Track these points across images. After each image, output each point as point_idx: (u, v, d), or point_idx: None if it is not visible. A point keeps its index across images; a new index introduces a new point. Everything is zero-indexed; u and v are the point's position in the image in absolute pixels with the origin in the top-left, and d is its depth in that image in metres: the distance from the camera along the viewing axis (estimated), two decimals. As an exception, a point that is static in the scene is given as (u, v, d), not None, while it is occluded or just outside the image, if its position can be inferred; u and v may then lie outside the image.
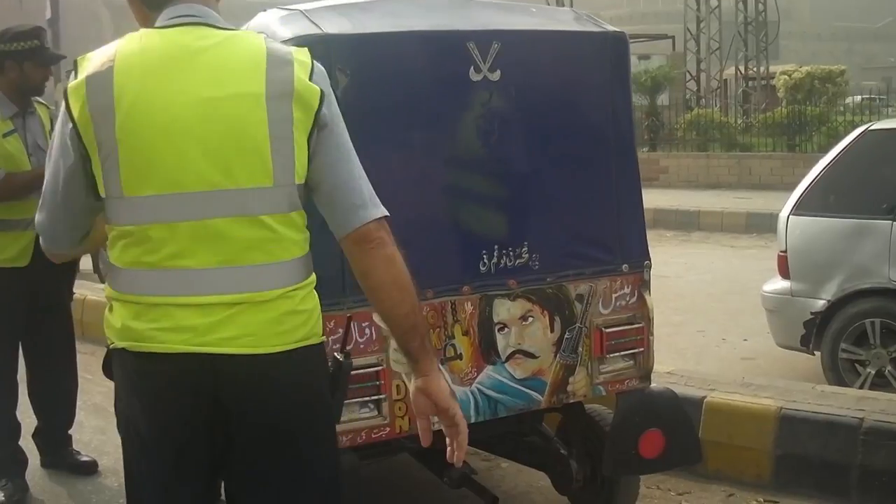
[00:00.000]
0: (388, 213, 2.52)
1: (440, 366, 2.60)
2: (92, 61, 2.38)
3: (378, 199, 2.53)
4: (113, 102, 2.32)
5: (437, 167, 3.80)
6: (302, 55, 2.46)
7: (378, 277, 2.49)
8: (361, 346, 3.61)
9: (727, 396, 5.25)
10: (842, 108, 21.56)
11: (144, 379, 2.39)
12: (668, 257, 12.43)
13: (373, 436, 3.69)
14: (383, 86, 3.64)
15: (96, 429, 6.23)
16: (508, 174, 3.90)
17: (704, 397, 5.25)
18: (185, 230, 2.33)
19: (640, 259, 4.15)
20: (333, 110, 2.48)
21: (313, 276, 2.53)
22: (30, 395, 5.49)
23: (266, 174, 2.36)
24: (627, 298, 4.13)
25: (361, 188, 2.50)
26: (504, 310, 3.88)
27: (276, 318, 2.39)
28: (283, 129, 2.37)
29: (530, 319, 3.93)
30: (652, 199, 16.65)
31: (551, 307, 3.96)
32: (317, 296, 2.53)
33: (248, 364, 2.35)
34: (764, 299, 7.14)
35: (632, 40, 4.43)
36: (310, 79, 2.43)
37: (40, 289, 5.14)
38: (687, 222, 16.01)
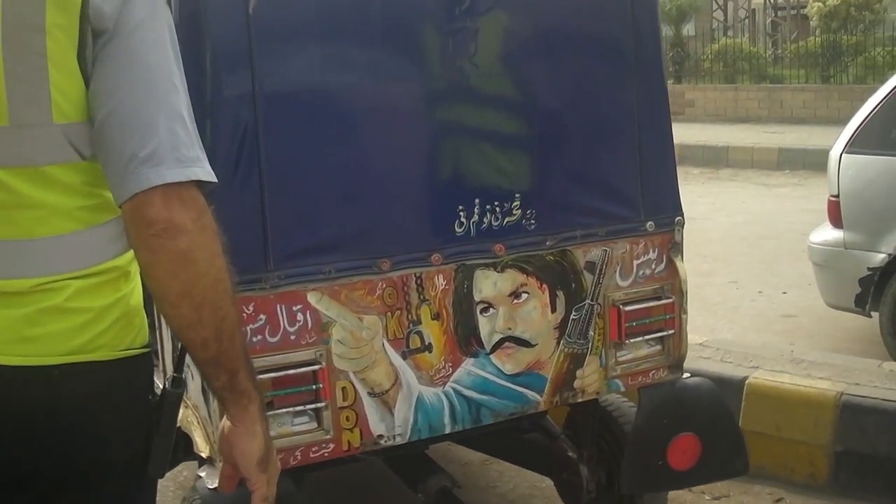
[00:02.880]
0: (206, 178, 1.64)
1: (261, 416, 1.78)
2: None
3: (199, 156, 1.64)
4: None
5: (394, 95, 2.91)
6: None
7: (161, 282, 1.65)
8: (293, 339, 2.77)
9: (774, 377, 4.47)
10: (880, 37, 20.55)
11: None
12: (694, 197, 11.64)
13: (311, 454, 2.85)
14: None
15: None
16: (493, 105, 3.03)
17: (746, 378, 4.46)
18: None
19: (669, 215, 3.32)
20: (137, 12, 1.61)
21: (117, 262, 1.72)
22: None
23: None
24: (653, 266, 3.30)
25: (156, 128, 1.60)
26: (489, 284, 3.04)
27: (27, 316, 1.64)
28: (25, 39, 1.58)
29: (524, 296, 3.10)
30: (677, 134, 15.63)
31: (552, 280, 3.13)
32: (130, 291, 1.73)
33: None
34: (811, 252, 6.22)
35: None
36: None
37: None
38: (715, 158, 15.29)
